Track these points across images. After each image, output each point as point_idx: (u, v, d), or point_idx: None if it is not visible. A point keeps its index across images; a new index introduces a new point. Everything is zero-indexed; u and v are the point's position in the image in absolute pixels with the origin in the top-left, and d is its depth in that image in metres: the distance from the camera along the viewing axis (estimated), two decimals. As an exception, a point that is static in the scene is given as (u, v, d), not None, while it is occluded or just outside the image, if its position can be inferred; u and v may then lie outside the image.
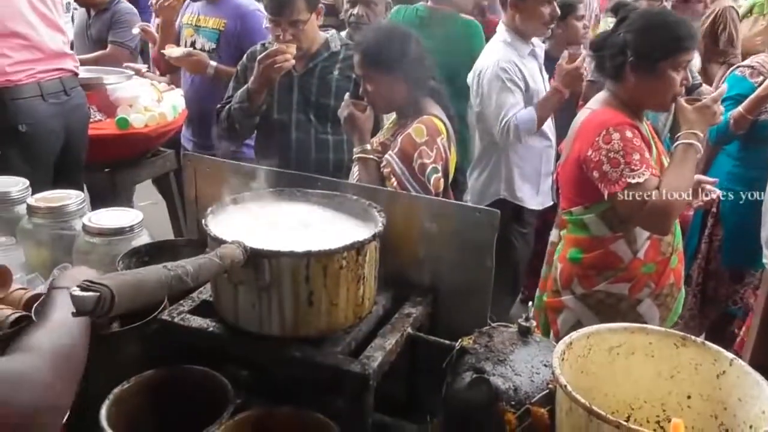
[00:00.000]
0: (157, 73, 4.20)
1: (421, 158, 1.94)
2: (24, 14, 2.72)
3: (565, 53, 2.85)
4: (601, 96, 2.05)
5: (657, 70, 1.89)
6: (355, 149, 2.10)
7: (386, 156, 2.02)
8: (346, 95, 2.18)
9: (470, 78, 3.13)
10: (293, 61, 2.46)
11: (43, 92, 2.78)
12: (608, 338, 1.15)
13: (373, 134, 2.22)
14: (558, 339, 2.05)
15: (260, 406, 1.19)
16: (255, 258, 1.13)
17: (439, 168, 1.99)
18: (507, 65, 2.88)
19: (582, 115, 2.06)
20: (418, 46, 2.07)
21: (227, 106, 2.66)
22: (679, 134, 1.93)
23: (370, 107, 2.12)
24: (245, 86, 2.57)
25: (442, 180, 2.01)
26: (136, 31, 4.09)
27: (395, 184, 1.96)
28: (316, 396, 1.22)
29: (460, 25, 3.39)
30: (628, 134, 1.87)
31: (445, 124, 2.05)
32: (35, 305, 1.33)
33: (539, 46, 3.16)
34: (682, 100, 1.92)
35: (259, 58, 2.47)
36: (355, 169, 2.12)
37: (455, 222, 1.38)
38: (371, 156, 2.06)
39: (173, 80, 3.95)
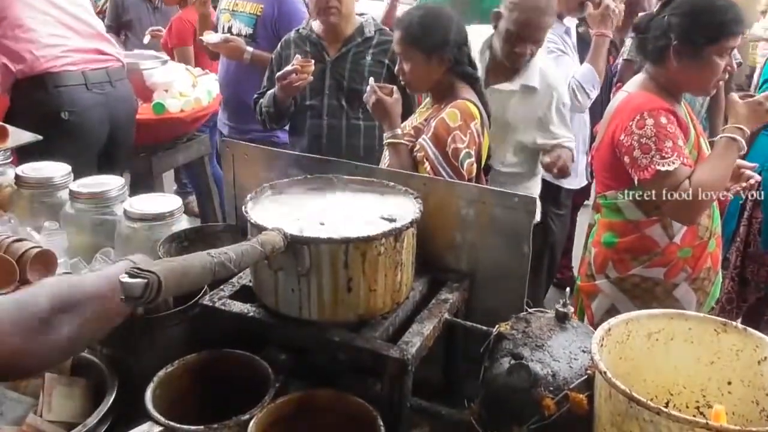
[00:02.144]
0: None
1: (454, 143, 1.94)
2: None
3: (587, 3, 2.86)
4: (638, 79, 2.01)
5: (701, 56, 1.84)
6: (385, 134, 2.09)
7: (419, 140, 2.01)
8: (371, 80, 2.17)
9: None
10: (311, 78, 2.47)
11: (87, 81, 2.82)
12: (647, 324, 1.14)
13: (406, 118, 2.22)
14: (592, 323, 2.07)
15: (300, 389, 1.21)
16: (295, 244, 1.15)
17: (473, 153, 1.98)
18: (547, 36, 2.87)
19: (618, 97, 2.03)
20: (459, 30, 2.06)
21: (261, 100, 2.69)
22: (724, 127, 1.89)
23: (397, 91, 2.11)
24: (272, 91, 2.58)
25: (475, 165, 2.00)
26: (146, 39, 4.13)
27: (428, 168, 1.95)
28: (354, 380, 1.24)
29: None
30: (663, 120, 1.83)
31: (478, 109, 2.04)
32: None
33: (572, 28, 3.13)
34: (734, 95, 1.87)
35: (277, 75, 2.50)
36: (387, 154, 2.12)
37: (492, 208, 1.38)
38: (402, 141, 2.05)
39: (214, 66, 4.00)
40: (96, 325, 0.98)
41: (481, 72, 2.38)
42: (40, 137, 2.25)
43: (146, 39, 4.21)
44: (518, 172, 2.57)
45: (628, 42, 4.10)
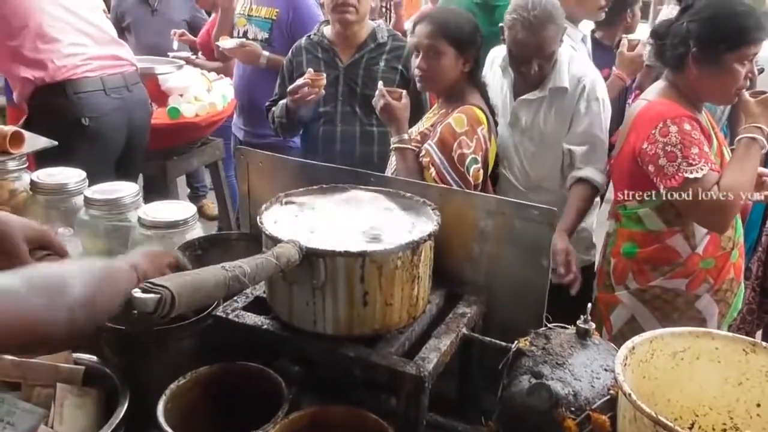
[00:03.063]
0: (203, 57, 4.25)
1: (460, 148, 1.92)
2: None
3: (625, 41, 2.80)
4: (658, 86, 1.97)
5: (721, 63, 1.80)
6: (392, 139, 2.08)
7: (425, 145, 2.00)
8: (380, 83, 2.16)
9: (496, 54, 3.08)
10: (322, 92, 2.45)
11: (105, 87, 2.84)
12: (672, 342, 1.11)
13: (416, 121, 2.21)
14: (611, 334, 2.02)
15: (312, 403, 1.19)
16: (310, 257, 1.13)
17: (479, 159, 1.95)
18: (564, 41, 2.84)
19: (638, 105, 1.99)
20: (481, 39, 2.09)
21: (273, 108, 2.68)
22: (742, 128, 1.85)
23: (406, 96, 2.11)
24: (284, 102, 2.57)
25: (481, 171, 1.98)
26: (176, 45, 4.15)
27: (434, 174, 1.93)
28: (368, 394, 1.21)
29: None
30: (687, 127, 1.79)
31: (486, 115, 2.02)
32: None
33: (586, 33, 3.09)
34: (746, 94, 1.83)
35: (289, 89, 2.48)
36: (393, 160, 2.11)
37: (511, 219, 1.35)
38: (409, 146, 2.04)
39: (227, 69, 4.00)
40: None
41: (506, 88, 2.29)
42: (55, 143, 2.24)
43: (175, 44, 4.23)
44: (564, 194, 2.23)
45: (648, 47, 4.05)
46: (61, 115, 2.73)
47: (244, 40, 3.23)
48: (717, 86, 1.86)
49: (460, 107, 2.00)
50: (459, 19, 2.10)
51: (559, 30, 2.14)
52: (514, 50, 2.14)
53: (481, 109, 2.02)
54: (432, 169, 1.94)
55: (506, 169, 2.32)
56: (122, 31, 4.59)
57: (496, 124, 2.14)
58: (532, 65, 2.14)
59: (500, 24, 2.20)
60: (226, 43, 3.26)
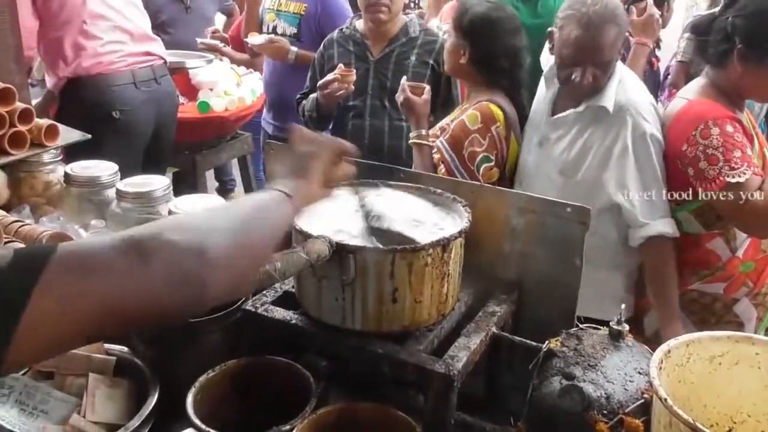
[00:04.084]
0: (230, 46, 4.27)
1: (472, 146, 1.90)
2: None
3: (632, 9, 2.76)
4: (698, 84, 1.91)
5: None
6: (411, 134, 2.08)
7: (437, 142, 1.99)
8: (403, 78, 2.15)
9: (543, 61, 3.03)
10: (352, 87, 2.46)
11: (135, 80, 2.88)
12: (710, 347, 1.08)
13: (446, 114, 2.21)
14: (644, 338, 1.98)
15: (339, 399, 1.19)
16: (340, 253, 1.12)
17: (492, 157, 1.92)
18: None
19: (677, 105, 1.93)
20: (522, 38, 2.05)
21: (303, 102, 2.69)
22: None
23: (428, 91, 2.09)
24: (314, 96, 2.57)
25: (496, 170, 1.95)
26: (208, 39, 4.18)
27: (443, 171, 1.92)
28: (395, 391, 1.21)
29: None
30: (729, 129, 1.73)
31: (504, 113, 1.98)
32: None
33: None
34: None
35: (318, 84, 2.49)
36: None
37: (543, 218, 1.33)
38: (426, 142, 2.03)
39: (256, 64, 4.02)
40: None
41: (546, 102, 2.02)
42: (89, 136, 2.27)
43: (208, 38, 4.27)
44: (598, 244, 1.69)
45: (682, 43, 3.97)
46: (92, 108, 2.78)
47: (272, 36, 3.24)
48: (763, 84, 1.79)
49: (477, 103, 1.98)
50: (475, 7, 2.04)
51: (620, 34, 1.83)
52: (565, 53, 1.83)
53: (498, 106, 1.99)
54: (442, 166, 1.93)
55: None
56: (156, 28, 4.66)
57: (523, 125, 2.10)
58: (585, 73, 1.80)
59: (548, 29, 1.96)
60: (254, 39, 3.27)
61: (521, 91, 2.11)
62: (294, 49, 3.16)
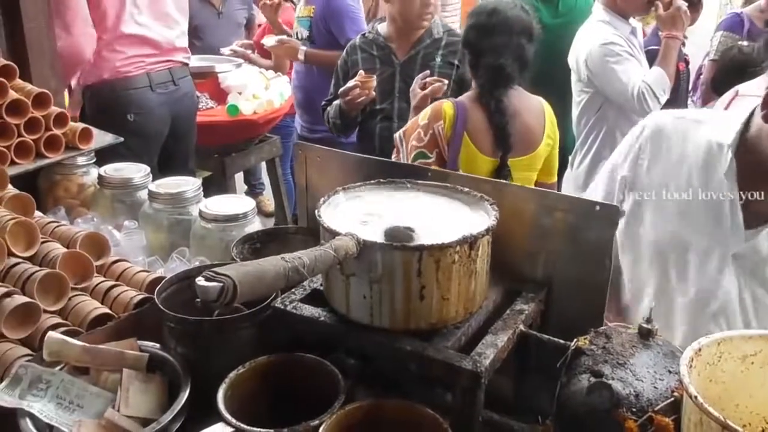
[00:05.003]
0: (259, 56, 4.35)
1: (413, 140, 1.93)
2: (134, 16, 2.88)
3: (657, 3, 2.75)
4: (761, 82, 1.85)
5: None
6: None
7: (396, 133, 2.05)
8: (424, 73, 2.20)
9: (572, 62, 3.01)
10: (373, 94, 2.49)
11: (151, 83, 2.94)
12: (742, 345, 1.06)
13: None
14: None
15: (367, 396, 1.20)
16: (367, 250, 1.13)
17: (431, 155, 1.94)
18: (612, 39, 2.77)
19: (740, 106, 1.85)
20: (524, 34, 2.07)
21: (327, 108, 2.72)
22: None
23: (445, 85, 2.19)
24: (338, 103, 2.60)
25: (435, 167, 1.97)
26: (235, 45, 4.27)
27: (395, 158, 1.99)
28: (424, 389, 1.21)
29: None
30: None
31: (456, 113, 1.99)
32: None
33: (638, 28, 3.03)
34: None
35: (339, 91, 2.53)
36: None
37: (571, 216, 1.32)
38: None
39: (281, 67, 4.10)
40: None
41: (723, 185, 1.39)
42: (121, 139, 2.33)
43: (234, 45, 4.35)
44: None
45: (715, 41, 3.91)
46: (108, 111, 2.85)
47: (283, 37, 3.36)
48: None
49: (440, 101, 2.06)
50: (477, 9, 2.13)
51: None
52: None
53: (453, 105, 2.02)
54: (394, 157, 1.97)
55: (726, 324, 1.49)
56: (189, 33, 4.75)
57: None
58: None
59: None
60: (268, 41, 3.41)
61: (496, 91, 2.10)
62: (303, 48, 3.25)
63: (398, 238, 1.15)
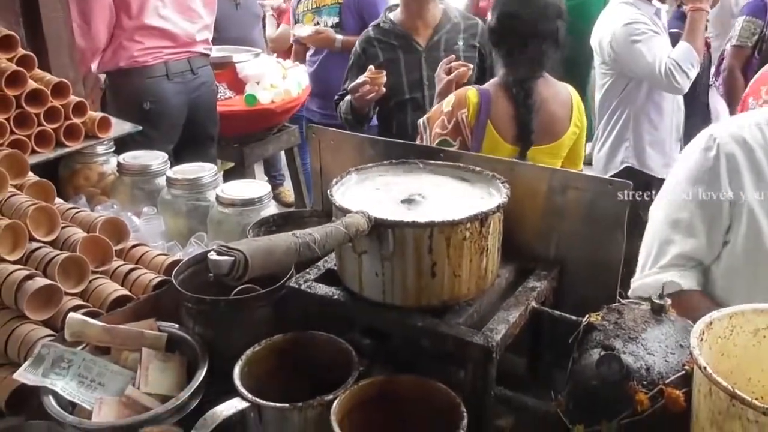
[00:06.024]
0: (275, 55, 4.39)
1: (437, 127, 1.93)
2: (158, 9, 2.91)
3: None
4: None
5: None
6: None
7: (419, 120, 2.06)
8: (448, 58, 2.20)
9: (595, 44, 2.98)
10: (383, 90, 2.45)
11: (168, 72, 2.97)
12: (754, 319, 1.06)
13: None
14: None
15: (382, 372, 1.21)
16: (379, 228, 1.14)
17: (454, 143, 1.93)
18: (636, 17, 2.74)
19: None
20: (550, 19, 2.00)
21: (340, 103, 2.71)
22: None
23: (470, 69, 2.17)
24: (349, 99, 2.58)
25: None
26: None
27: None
28: (437, 365, 1.22)
29: None
30: None
31: (480, 101, 1.97)
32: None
33: (662, 9, 2.99)
34: None
35: (349, 87, 2.51)
36: None
37: (585, 194, 1.32)
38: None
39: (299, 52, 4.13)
40: None
41: None
42: (140, 127, 2.36)
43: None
44: None
45: (738, 26, 3.83)
46: (125, 99, 2.89)
47: (318, 26, 3.32)
48: None
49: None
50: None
51: None
52: None
53: (477, 92, 1.98)
54: (417, 142, 1.98)
55: None
56: None
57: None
58: None
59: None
60: (301, 30, 3.36)
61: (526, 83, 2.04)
62: (340, 37, 3.22)
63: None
